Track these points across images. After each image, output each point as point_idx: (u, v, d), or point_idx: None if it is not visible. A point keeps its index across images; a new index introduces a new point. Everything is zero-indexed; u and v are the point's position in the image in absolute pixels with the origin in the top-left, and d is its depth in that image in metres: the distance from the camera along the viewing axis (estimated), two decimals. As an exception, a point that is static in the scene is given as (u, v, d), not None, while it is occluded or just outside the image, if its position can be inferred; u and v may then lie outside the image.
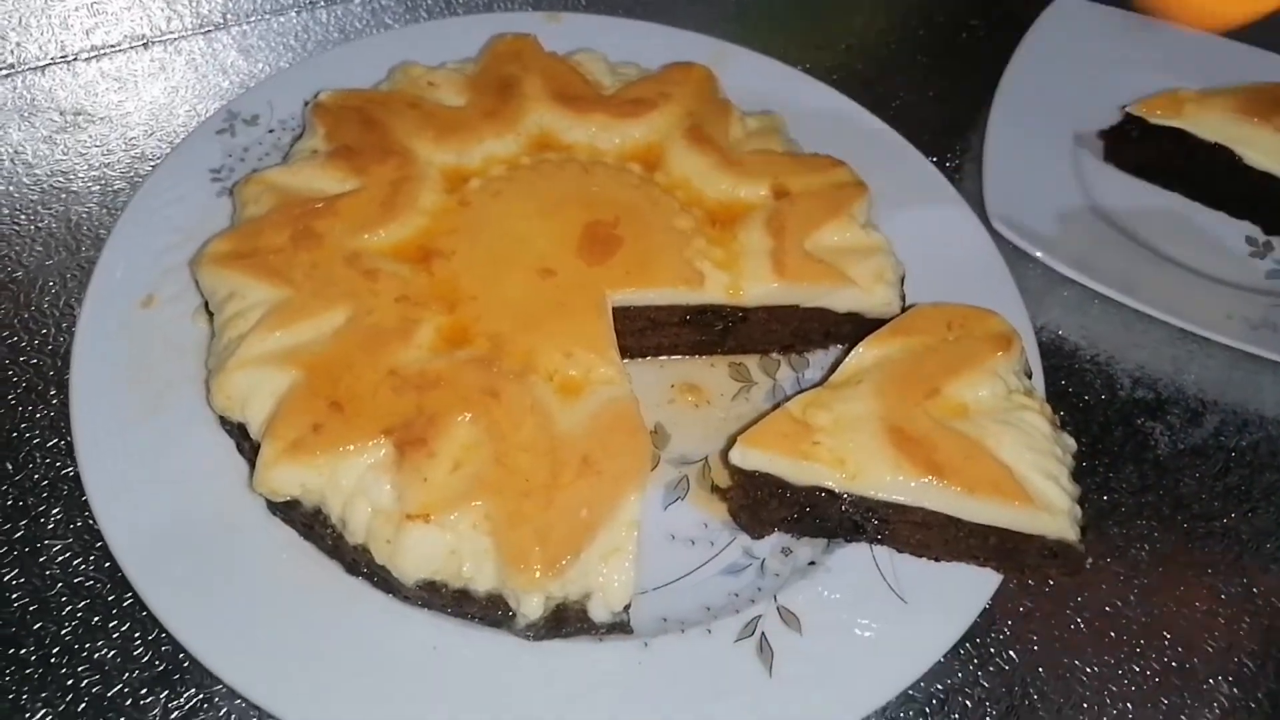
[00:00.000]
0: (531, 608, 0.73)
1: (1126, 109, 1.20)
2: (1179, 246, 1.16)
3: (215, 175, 0.99)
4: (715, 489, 0.88)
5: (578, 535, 0.73)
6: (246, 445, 0.80)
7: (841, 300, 0.93)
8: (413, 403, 0.77)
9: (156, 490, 0.79)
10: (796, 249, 0.92)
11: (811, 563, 0.83)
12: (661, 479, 0.89)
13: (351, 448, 0.75)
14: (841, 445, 0.78)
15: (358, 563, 0.77)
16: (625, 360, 0.94)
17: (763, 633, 0.78)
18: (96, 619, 0.79)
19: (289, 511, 0.78)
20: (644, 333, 0.94)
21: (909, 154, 1.12)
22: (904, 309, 0.93)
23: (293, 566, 0.77)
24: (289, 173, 0.92)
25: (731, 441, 0.80)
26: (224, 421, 0.82)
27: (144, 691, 0.77)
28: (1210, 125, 1.16)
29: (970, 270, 1.02)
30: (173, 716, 0.76)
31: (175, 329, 0.88)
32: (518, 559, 0.72)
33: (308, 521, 0.78)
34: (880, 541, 0.82)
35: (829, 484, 0.78)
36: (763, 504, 0.82)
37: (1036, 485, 0.76)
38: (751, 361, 0.98)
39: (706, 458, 0.91)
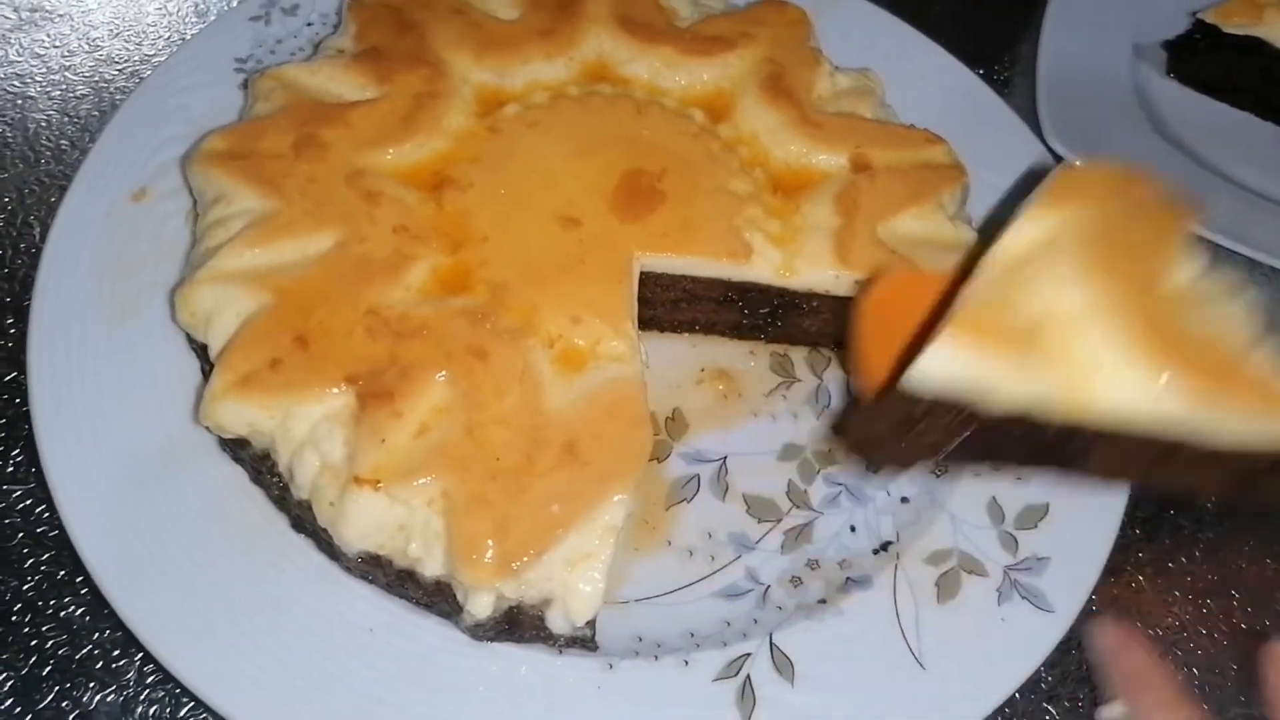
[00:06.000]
0: (480, 606, 0.63)
1: (1198, 15, 1.09)
2: (1248, 169, 1.06)
3: (240, 65, 0.90)
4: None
5: (543, 533, 0.62)
6: (208, 369, 0.72)
7: (910, 300, 0.79)
8: (387, 350, 0.67)
9: (108, 409, 0.71)
10: (866, 233, 0.78)
11: (822, 600, 0.72)
12: (669, 473, 0.78)
13: (308, 392, 0.65)
14: (1069, 347, 0.56)
15: (302, 520, 0.68)
16: (653, 332, 0.83)
17: (748, 676, 0.66)
18: (63, 573, 0.71)
19: (238, 450, 0.70)
20: (678, 305, 0.82)
21: (1033, 146, 0.96)
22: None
23: (238, 513, 0.69)
24: (307, 71, 0.82)
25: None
26: (191, 339, 0.74)
27: (116, 653, 0.69)
28: None
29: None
30: (149, 680, 0.68)
31: (165, 227, 0.80)
32: (468, 549, 0.61)
33: (256, 465, 0.69)
34: (1069, 467, 0.61)
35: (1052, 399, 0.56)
36: (929, 429, 0.60)
37: None
38: (798, 354, 0.85)
39: (725, 459, 0.79)
